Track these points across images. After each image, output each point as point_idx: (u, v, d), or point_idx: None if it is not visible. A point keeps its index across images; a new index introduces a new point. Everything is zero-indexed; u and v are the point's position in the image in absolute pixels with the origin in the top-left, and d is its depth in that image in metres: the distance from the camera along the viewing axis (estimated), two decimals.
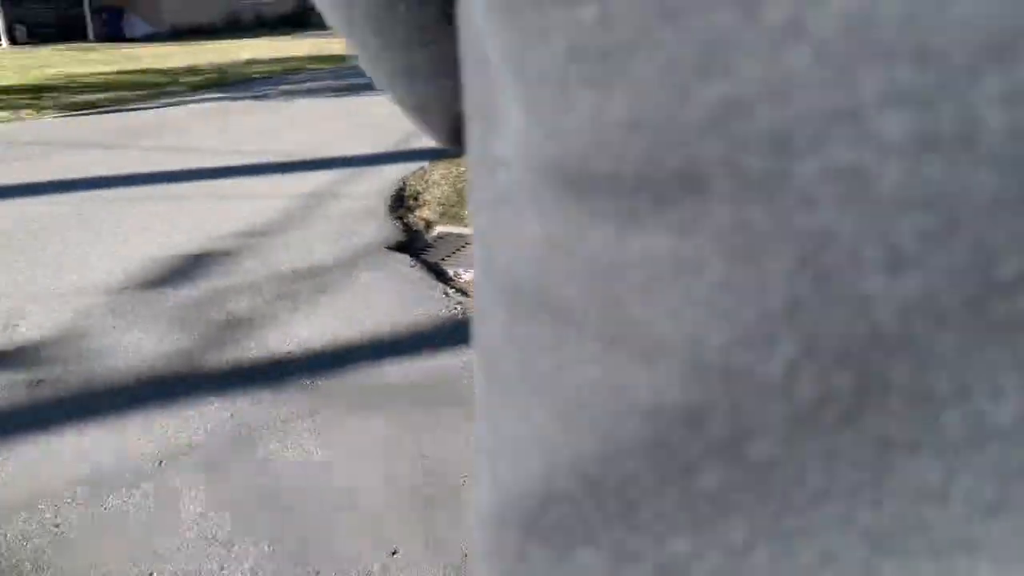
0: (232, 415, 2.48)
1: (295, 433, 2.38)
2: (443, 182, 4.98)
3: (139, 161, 5.78)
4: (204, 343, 2.94)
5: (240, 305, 3.26)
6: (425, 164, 5.26)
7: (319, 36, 19.92)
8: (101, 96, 9.37)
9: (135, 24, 22.44)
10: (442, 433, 2.36)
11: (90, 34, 21.93)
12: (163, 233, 4.11)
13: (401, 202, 4.65)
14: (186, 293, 3.37)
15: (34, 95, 9.40)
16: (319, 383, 2.66)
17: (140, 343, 2.94)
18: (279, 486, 2.15)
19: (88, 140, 6.59)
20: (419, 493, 2.11)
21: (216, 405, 2.53)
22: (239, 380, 2.69)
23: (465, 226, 4.40)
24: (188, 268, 3.65)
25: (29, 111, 8.20)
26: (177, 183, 5.13)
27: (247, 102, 8.67)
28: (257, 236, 4.08)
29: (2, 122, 7.60)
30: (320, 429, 2.41)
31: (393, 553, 1.90)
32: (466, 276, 3.80)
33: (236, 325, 3.09)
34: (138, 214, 4.48)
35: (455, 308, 3.33)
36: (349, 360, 2.80)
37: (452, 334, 3.03)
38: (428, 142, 5.15)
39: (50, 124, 7.49)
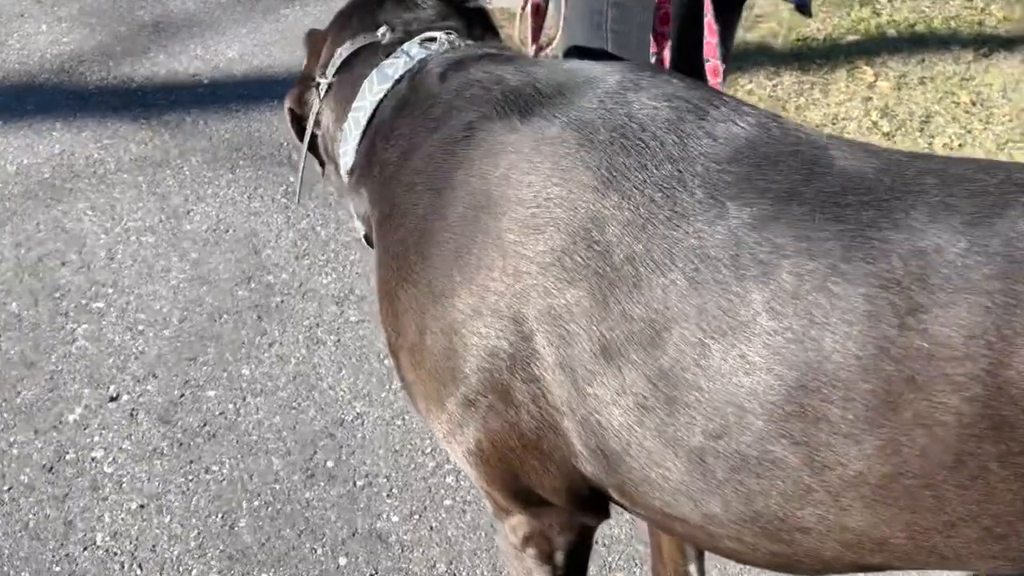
0: (63, 151, 1.95)
1: (117, 187, 1.84)
2: None
3: None
4: (109, 49, 2.38)
5: (185, 5, 2.64)
6: None
7: None
8: None
9: None
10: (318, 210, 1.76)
11: None
12: None
13: None
14: None
15: None
16: (199, 123, 2.07)
17: (38, 39, 2.40)
18: (57, 248, 1.64)
19: None
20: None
21: (58, 133, 2.01)
22: (113, 103, 2.13)
23: None
24: None
25: None
26: None
27: None
28: None
29: None
30: (142, 192, 1.85)
31: None
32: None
33: (162, 31, 2.49)
34: None
35: None
36: (253, 98, 2.18)
37: None
38: None
39: None
